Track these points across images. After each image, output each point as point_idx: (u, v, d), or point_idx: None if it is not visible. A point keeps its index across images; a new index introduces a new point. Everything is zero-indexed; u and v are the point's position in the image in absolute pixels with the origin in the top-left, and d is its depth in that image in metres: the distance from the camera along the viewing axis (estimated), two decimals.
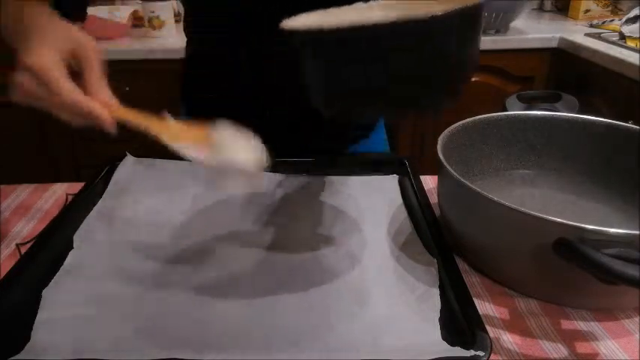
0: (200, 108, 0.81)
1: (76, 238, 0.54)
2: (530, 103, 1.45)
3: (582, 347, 0.44)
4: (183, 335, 0.42)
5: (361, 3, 0.54)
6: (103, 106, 0.46)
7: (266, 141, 0.84)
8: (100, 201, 0.62)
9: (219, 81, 0.75)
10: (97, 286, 0.48)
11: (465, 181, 0.48)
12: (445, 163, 0.52)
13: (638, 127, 0.58)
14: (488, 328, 0.42)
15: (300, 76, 0.46)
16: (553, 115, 0.64)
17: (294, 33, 0.44)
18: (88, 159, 1.71)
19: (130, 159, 0.70)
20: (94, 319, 0.44)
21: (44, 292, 0.46)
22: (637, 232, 0.40)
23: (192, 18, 0.74)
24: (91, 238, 0.55)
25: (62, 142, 1.69)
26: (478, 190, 0.47)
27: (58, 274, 0.49)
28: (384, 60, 0.41)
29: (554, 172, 0.64)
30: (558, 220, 0.42)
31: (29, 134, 1.70)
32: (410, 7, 0.52)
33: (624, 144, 0.59)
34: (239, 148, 0.48)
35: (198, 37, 0.75)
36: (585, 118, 0.62)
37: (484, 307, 0.48)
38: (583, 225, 0.41)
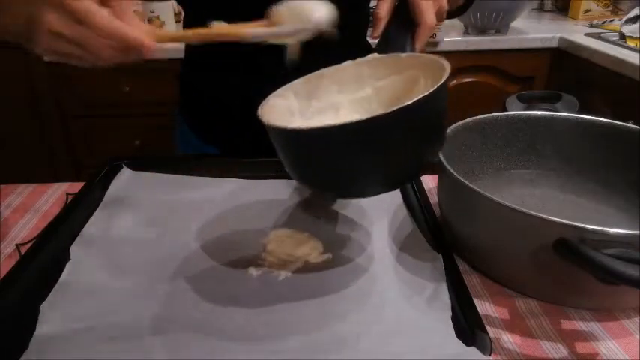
0: (197, 109, 0.81)
1: (73, 248, 0.53)
2: (530, 103, 1.45)
3: (582, 347, 0.44)
4: (187, 348, 0.42)
5: (350, 61, 0.54)
6: (142, 32, 0.42)
7: (261, 141, 0.83)
8: (94, 214, 0.59)
9: (215, 84, 0.75)
10: (95, 300, 0.47)
11: (465, 181, 0.48)
12: (445, 163, 0.52)
13: (638, 127, 0.58)
14: (488, 328, 0.42)
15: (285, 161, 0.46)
16: (553, 115, 0.64)
17: (271, 129, 0.44)
18: (88, 159, 1.71)
19: (126, 171, 0.68)
20: (92, 334, 0.43)
21: (42, 307, 0.45)
22: (637, 232, 0.40)
23: (191, 20, 0.74)
24: (86, 251, 0.53)
25: (62, 142, 1.69)
26: (478, 190, 0.47)
27: (54, 288, 0.47)
28: (384, 149, 0.42)
29: (554, 172, 0.64)
30: (558, 220, 0.42)
31: (29, 134, 1.70)
32: (395, 64, 0.53)
33: (624, 144, 0.59)
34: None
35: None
36: (585, 118, 0.62)
37: (484, 307, 0.48)
38: (583, 225, 0.41)
